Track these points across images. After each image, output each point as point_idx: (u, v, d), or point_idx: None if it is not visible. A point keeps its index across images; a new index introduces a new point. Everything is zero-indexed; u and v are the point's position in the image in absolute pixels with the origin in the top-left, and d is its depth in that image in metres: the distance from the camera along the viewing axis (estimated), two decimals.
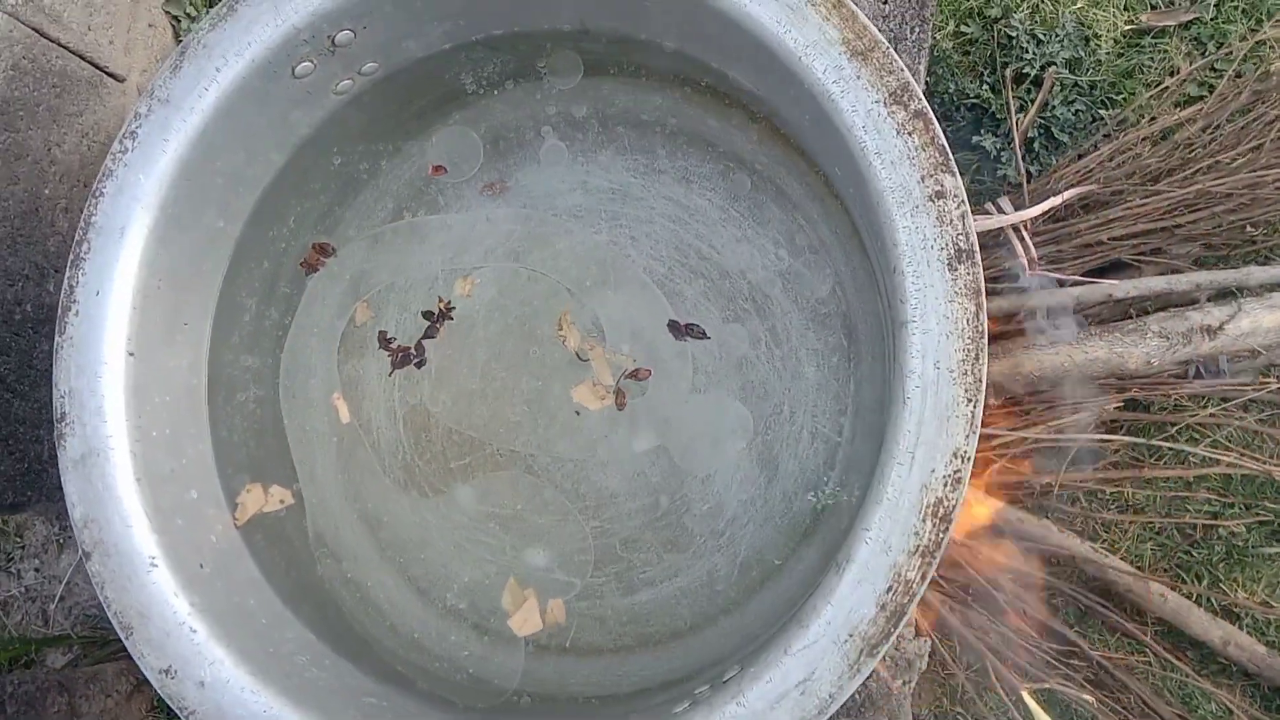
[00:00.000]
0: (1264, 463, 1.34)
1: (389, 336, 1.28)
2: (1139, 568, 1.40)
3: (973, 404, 0.85)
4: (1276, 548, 1.39)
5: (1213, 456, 1.35)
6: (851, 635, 0.85)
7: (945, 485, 0.85)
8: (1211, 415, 1.38)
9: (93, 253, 1.03)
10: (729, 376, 1.23)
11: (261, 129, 1.12)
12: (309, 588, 1.20)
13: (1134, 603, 1.36)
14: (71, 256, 1.04)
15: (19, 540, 1.53)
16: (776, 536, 1.20)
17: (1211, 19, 1.47)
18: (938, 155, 0.88)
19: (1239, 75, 1.44)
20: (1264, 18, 1.45)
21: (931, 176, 0.88)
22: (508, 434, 1.26)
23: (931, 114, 0.89)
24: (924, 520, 0.85)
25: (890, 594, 0.85)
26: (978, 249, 0.86)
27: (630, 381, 1.24)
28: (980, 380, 0.85)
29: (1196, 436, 1.41)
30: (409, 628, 1.23)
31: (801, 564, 1.18)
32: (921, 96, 0.89)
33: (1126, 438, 1.40)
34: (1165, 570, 1.42)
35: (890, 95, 0.90)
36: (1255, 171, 1.31)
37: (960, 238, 0.87)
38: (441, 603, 1.24)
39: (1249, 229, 1.36)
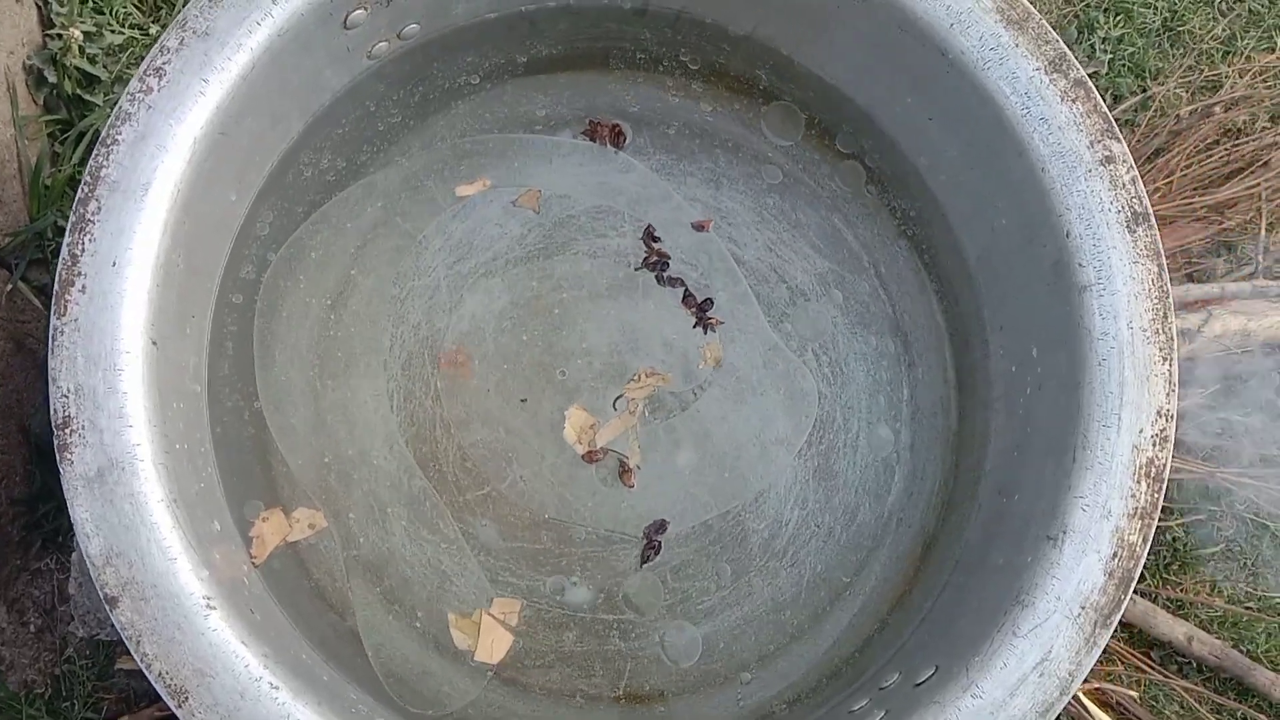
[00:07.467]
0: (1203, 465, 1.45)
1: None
2: None
3: (1168, 362, 0.85)
4: (1212, 548, 1.50)
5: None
6: (1084, 607, 0.80)
7: (1154, 445, 0.83)
8: None
9: (104, 213, 0.81)
10: (774, 384, 1.16)
11: (294, 85, 0.94)
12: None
13: None
14: (73, 219, 0.80)
15: None
16: (842, 552, 1.13)
17: (1106, 74, 1.63)
18: (1102, 121, 0.89)
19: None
20: (1149, 76, 1.63)
21: (1099, 142, 0.88)
22: (526, 459, 1.11)
23: (1090, 82, 0.90)
24: (1138, 481, 0.83)
25: (1116, 560, 0.81)
26: (1151, 212, 0.87)
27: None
28: (1172, 338, 0.85)
29: None
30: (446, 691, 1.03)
31: (871, 579, 1.12)
32: (1079, 65, 0.90)
33: None
34: None
35: (1049, 64, 0.90)
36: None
37: (1134, 200, 0.87)
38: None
39: None
